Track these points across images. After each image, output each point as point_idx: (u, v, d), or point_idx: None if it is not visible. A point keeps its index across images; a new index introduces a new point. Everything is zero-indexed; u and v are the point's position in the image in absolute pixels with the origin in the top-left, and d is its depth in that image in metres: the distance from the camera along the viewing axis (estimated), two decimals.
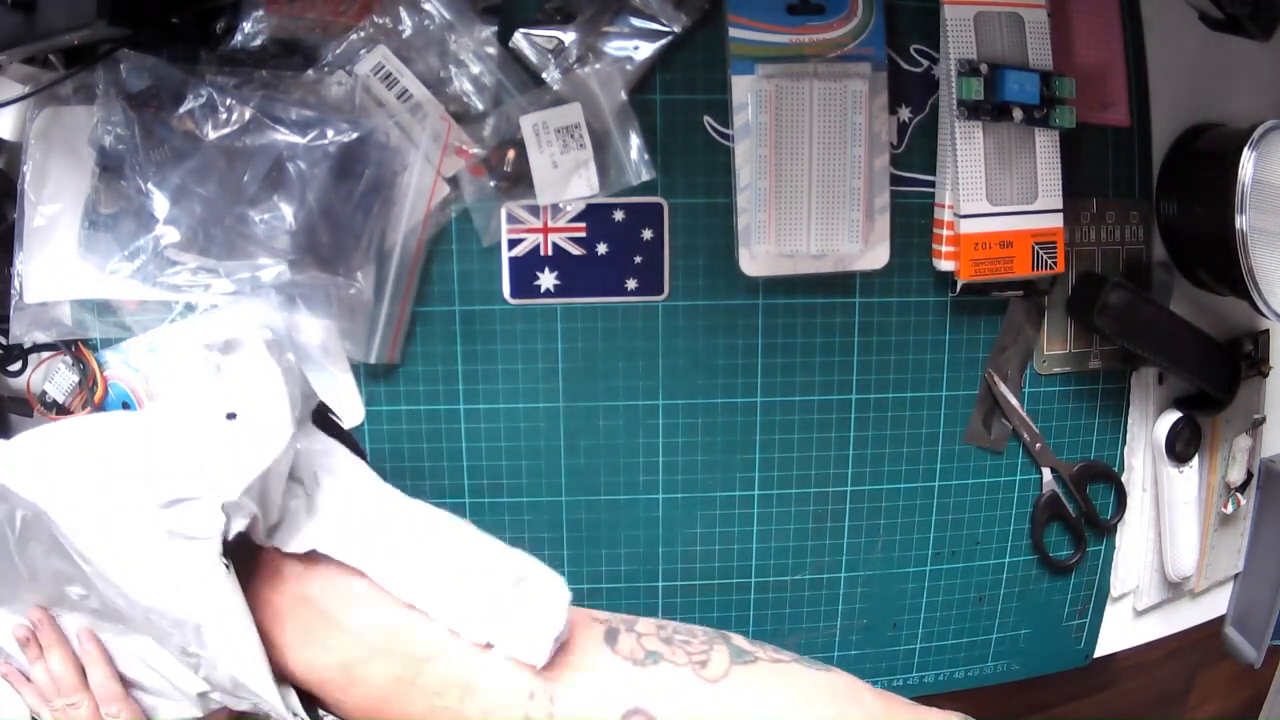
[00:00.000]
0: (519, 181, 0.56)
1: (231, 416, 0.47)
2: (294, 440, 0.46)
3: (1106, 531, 0.67)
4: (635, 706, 0.38)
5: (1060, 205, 0.58)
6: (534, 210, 0.57)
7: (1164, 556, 0.68)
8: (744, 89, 0.56)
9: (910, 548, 0.64)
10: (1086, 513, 0.65)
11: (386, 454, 0.59)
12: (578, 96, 0.55)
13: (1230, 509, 0.70)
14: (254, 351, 0.49)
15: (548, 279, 0.58)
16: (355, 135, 0.51)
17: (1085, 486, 0.65)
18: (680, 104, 0.57)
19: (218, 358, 0.50)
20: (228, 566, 0.40)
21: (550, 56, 0.55)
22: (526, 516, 0.60)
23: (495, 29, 0.54)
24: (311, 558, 0.42)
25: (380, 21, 0.53)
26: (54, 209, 0.55)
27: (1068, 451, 0.65)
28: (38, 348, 0.56)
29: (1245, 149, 0.57)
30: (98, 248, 0.55)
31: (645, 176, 0.56)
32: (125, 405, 0.57)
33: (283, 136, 0.51)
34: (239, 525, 0.41)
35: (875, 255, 0.59)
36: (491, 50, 0.54)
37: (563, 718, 0.38)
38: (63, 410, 0.57)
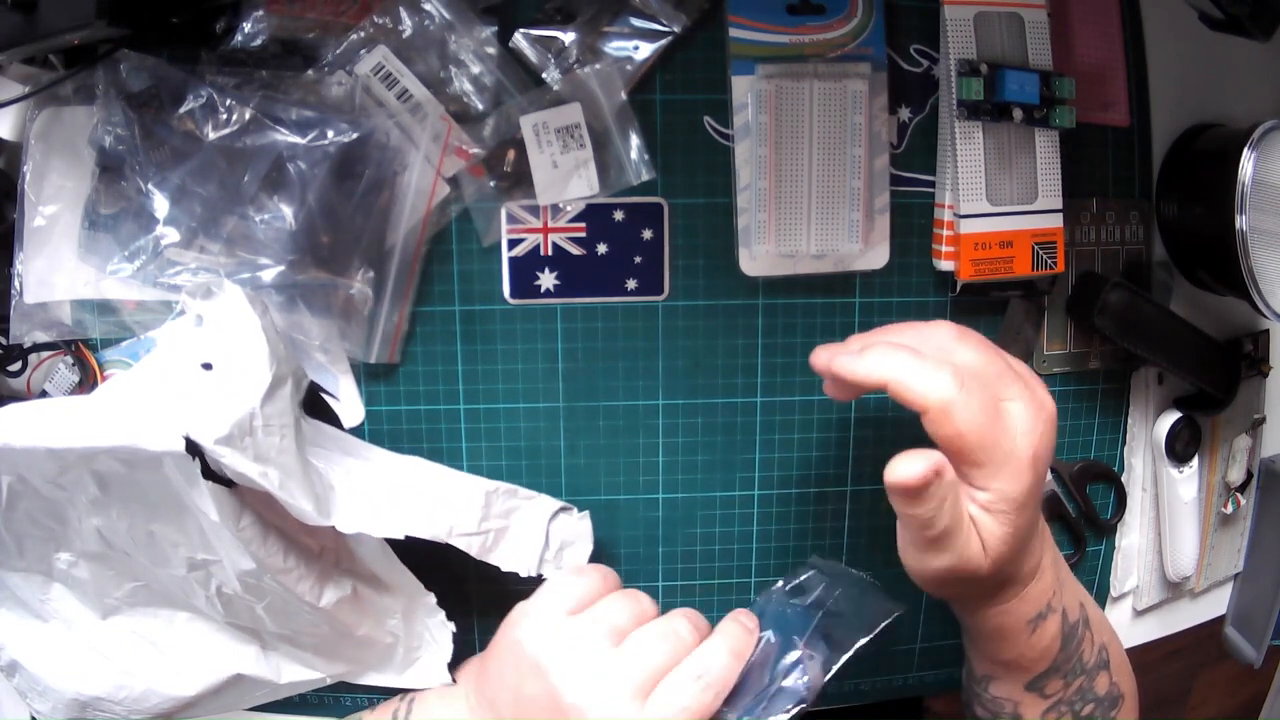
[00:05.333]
0: (519, 181, 0.56)
1: (208, 367, 0.48)
2: (277, 390, 0.48)
3: (1106, 531, 0.67)
4: None
5: (1060, 205, 0.58)
6: (534, 210, 0.57)
7: (1164, 556, 0.68)
8: (744, 89, 0.56)
9: None
10: (1086, 513, 0.65)
11: None
12: (578, 96, 0.55)
13: (1230, 509, 0.70)
14: (232, 299, 0.50)
15: (548, 279, 0.58)
16: (355, 135, 0.51)
17: (1085, 486, 0.65)
18: (680, 104, 0.57)
19: (198, 305, 0.51)
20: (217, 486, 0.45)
21: (550, 56, 0.55)
22: None
23: (495, 29, 0.54)
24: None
25: (380, 21, 0.53)
26: (54, 209, 0.55)
27: (1067, 451, 0.65)
28: (38, 348, 0.56)
29: (1245, 149, 0.57)
30: (98, 248, 0.55)
31: (645, 176, 0.57)
32: None
33: (283, 137, 0.51)
34: (237, 467, 0.44)
35: (875, 255, 0.59)
36: (491, 50, 0.54)
37: None
38: None
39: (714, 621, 0.63)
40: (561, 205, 0.57)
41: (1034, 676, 0.50)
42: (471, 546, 0.53)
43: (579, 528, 0.58)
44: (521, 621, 0.51)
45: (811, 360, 0.49)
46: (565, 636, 0.49)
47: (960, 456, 0.42)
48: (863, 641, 0.49)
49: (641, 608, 0.51)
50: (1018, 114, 0.56)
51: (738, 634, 0.50)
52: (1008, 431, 0.42)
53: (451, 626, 0.55)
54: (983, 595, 0.48)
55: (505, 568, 0.54)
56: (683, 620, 0.50)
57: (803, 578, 0.57)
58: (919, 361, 0.42)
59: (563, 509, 0.58)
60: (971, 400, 0.41)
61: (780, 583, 0.58)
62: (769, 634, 0.52)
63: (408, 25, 0.53)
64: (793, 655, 0.49)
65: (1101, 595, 0.68)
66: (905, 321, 0.49)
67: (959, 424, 0.41)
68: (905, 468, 0.42)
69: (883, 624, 0.50)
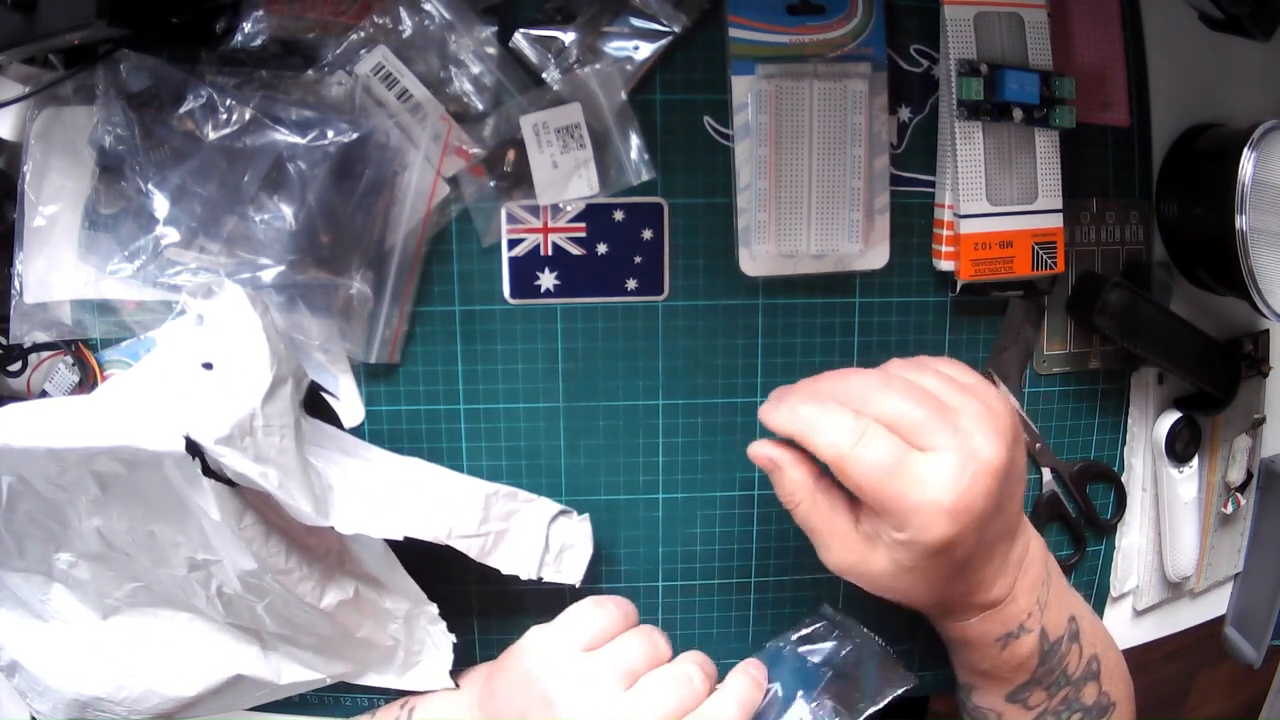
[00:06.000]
0: (519, 181, 0.56)
1: (208, 367, 0.48)
2: (278, 390, 0.48)
3: (1106, 531, 0.67)
4: None
5: (1060, 205, 0.58)
6: (534, 210, 0.57)
7: (1164, 556, 0.68)
8: (744, 89, 0.56)
9: None
10: (1086, 513, 0.65)
11: None
12: (578, 96, 0.55)
13: (1230, 509, 0.70)
14: (233, 299, 0.50)
15: (548, 279, 0.58)
16: (355, 135, 0.51)
17: (1085, 486, 0.65)
18: (680, 104, 0.57)
19: (199, 304, 0.51)
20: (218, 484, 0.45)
21: (550, 56, 0.55)
22: None
23: (495, 29, 0.54)
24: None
25: (380, 21, 0.53)
26: (54, 209, 0.55)
27: (1067, 451, 0.65)
28: (38, 348, 0.56)
29: (1245, 149, 0.57)
30: (98, 248, 0.55)
31: (645, 176, 0.57)
32: None
33: (283, 136, 0.51)
34: (237, 467, 0.44)
35: (875, 255, 0.59)
36: (491, 50, 0.54)
37: None
38: None
39: (713, 622, 0.63)
40: (561, 205, 0.57)
41: (1014, 688, 0.51)
42: (471, 549, 0.53)
43: (579, 531, 0.58)
44: (534, 653, 0.50)
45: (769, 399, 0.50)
46: (577, 673, 0.48)
47: (867, 502, 0.44)
48: (870, 711, 0.49)
49: (657, 650, 0.51)
50: (1018, 114, 0.56)
51: (747, 689, 0.50)
52: (916, 484, 0.42)
53: (453, 638, 0.55)
54: (931, 613, 0.49)
55: (505, 570, 0.54)
56: (694, 667, 0.50)
57: (814, 628, 0.57)
58: (822, 416, 0.44)
59: (562, 512, 0.58)
60: (868, 455, 0.42)
61: (791, 632, 0.58)
62: (776, 686, 0.51)
63: (408, 25, 0.53)
64: (798, 712, 0.49)
65: (1101, 595, 0.68)
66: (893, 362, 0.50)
67: (854, 477, 0.43)
68: (752, 448, 0.49)
69: (891, 695, 0.50)
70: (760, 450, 0.48)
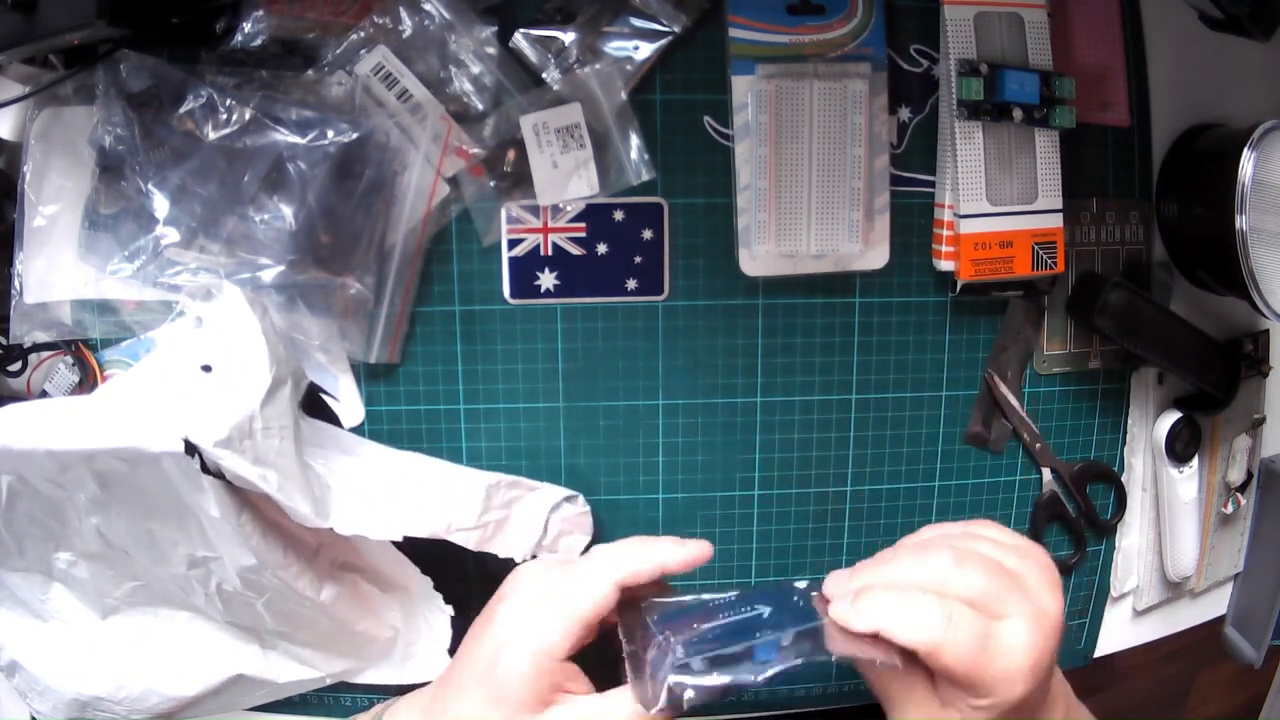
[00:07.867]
0: (519, 181, 0.56)
1: (207, 369, 0.48)
2: (277, 392, 0.48)
3: (1106, 531, 0.67)
4: None
5: (1060, 205, 0.58)
6: (534, 210, 0.57)
7: (1164, 556, 0.68)
8: (744, 89, 0.56)
9: None
10: (1086, 513, 0.65)
11: None
12: (578, 96, 0.55)
13: (1230, 509, 0.70)
14: (232, 300, 0.50)
15: (548, 279, 0.58)
16: (355, 135, 0.51)
17: (1085, 486, 0.65)
18: (680, 104, 0.57)
19: (198, 306, 0.51)
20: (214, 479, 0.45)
21: (550, 56, 0.55)
22: None
23: (495, 29, 0.54)
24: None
25: (380, 21, 0.53)
26: (54, 209, 0.55)
27: (1068, 451, 0.65)
28: (38, 348, 0.56)
29: (1245, 149, 0.57)
30: (98, 248, 0.55)
31: (645, 176, 0.57)
32: None
33: (283, 136, 0.51)
34: (236, 469, 0.44)
35: (875, 255, 0.59)
36: (491, 50, 0.54)
37: None
38: None
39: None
40: (561, 205, 0.57)
41: None
42: (469, 541, 0.53)
43: (580, 520, 0.58)
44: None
45: (826, 590, 0.48)
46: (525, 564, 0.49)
47: (953, 683, 0.44)
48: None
49: None
50: (1018, 114, 0.56)
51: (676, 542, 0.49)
52: (1000, 654, 0.43)
53: (449, 610, 0.55)
54: None
55: (502, 554, 0.54)
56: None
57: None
58: (907, 608, 0.43)
59: (567, 499, 0.58)
60: (959, 636, 0.42)
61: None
62: (766, 608, 0.48)
63: (408, 25, 0.53)
64: (785, 637, 0.46)
65: (1101, 595, 0.68)
66: (934, 527, 0.50)
67: (947, 661, 0.42)
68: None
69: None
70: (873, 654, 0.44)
